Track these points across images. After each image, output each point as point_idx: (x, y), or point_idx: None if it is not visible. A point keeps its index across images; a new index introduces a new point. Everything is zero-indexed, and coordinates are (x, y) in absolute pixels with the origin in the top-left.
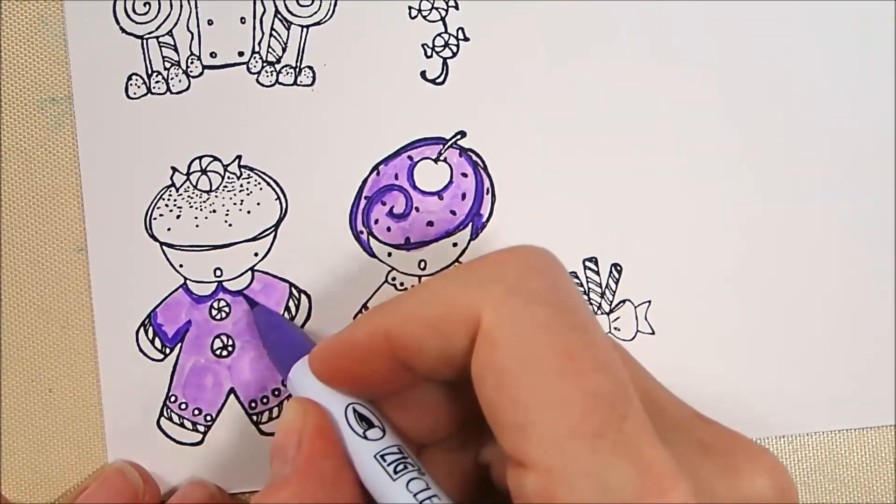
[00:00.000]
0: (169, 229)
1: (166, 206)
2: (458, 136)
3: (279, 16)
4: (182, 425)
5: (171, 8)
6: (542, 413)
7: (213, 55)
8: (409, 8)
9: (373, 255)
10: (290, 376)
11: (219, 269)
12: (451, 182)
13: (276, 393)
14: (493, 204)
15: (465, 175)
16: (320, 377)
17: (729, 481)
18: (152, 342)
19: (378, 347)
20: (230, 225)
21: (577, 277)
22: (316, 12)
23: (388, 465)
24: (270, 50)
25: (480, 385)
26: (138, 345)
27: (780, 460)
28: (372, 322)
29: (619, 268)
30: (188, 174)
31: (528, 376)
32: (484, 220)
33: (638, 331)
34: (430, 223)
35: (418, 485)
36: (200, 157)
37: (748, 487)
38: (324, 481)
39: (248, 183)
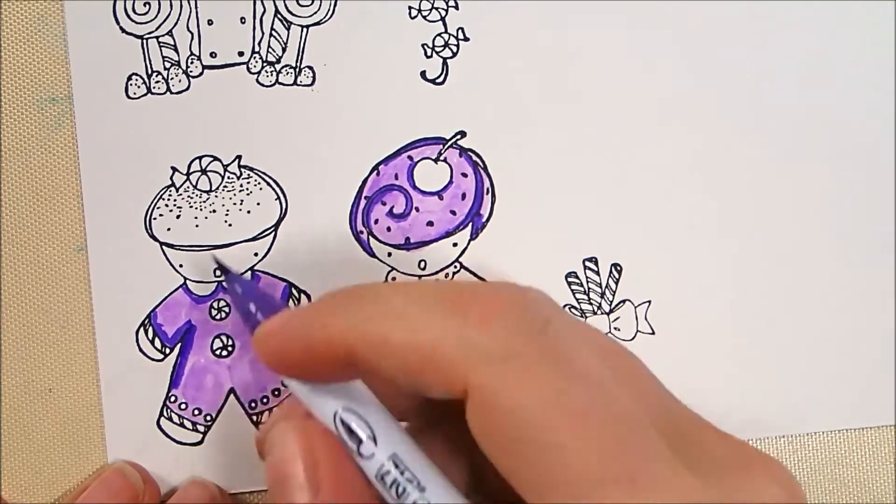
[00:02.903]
0: (169, 229)
1: (166, 206)
2: (458, 136)
3: (279, 16)
4: (182, 425)
5: (171, 8)
6: (564, 470)
7: (213, 55)
8: (409, 8)
9: (373, 255)
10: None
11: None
12: (451, 182)
13: (277, 393)
14: (493, 204)
15: (465, 175)
16: (266, 362)
17: (748, 495)
18: (152, 342)
19: (335, 357)
20: (230, 225)
21: (577, 277)
22: (316, 12)
23: (389, 487)
24: (270, 50)
25: (486, 445)
26: (138, 345)
27: (790, 474)
28: (334, 328)
29: (619, 268)
30: (188, 174)
31: (540, 439)
32: (484, 220)
33: (638, 331)
34: (430, 223)
35: None
36: (200, 157)
37: (765, 499)
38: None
39: (248, 183)
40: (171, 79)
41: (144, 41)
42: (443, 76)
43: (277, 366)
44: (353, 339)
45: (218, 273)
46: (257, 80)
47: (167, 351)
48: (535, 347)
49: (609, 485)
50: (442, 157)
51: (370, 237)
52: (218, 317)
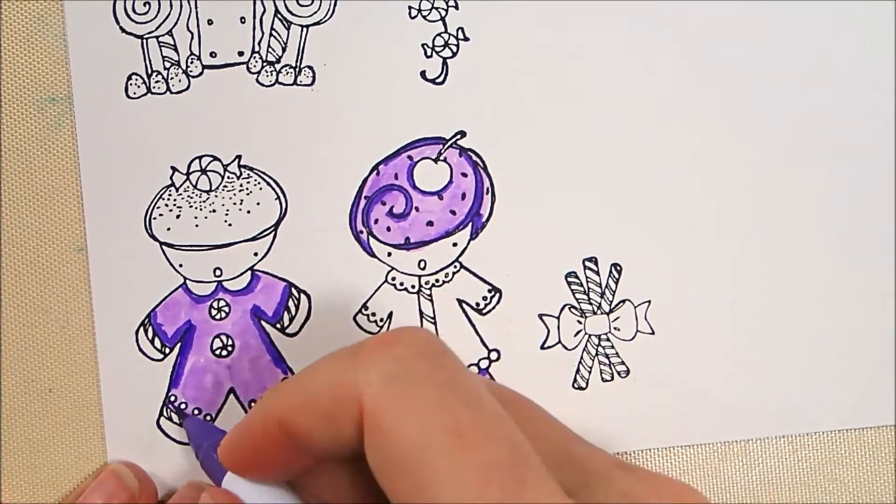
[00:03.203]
0: (169, 229)
1: (166, 205)
2: (458, 136)
3: (279, 16)
4: (182, 425)
5: (171, 8)
6: (442, 493)
7: (213, 55)
8: (409, 8)
9: (373, 254)
10: (223, 486)
11: (218, 268)
12: (450, 182)
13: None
14: (493, 204)
15: (464, 175)
16: (229, 468)
17: None
18: (152, 342)
19: (272, 434)
20: (230, 225)
21: (577, 277)
22: (316, 12)
23: None
24: (270, 50)
25: (378, 474)
26: (138, 345)
27: (704, 497)
28: (265, 409)
29: (619, 268)
30: (188, 174)
31: (422, 460)
32: (484, 220)
33: (638, 331)
34: (429, 223)
35: None
36: (200, 157)
37: None
38: None
39: (248, 183)
40: (171, 79)
41: (144, 41)
42: (443, 76)
43: (240, 467)
44: (279, 409)
45: (218, 273)
46: (257, 80)
47: (167, 351)
48: (425, 371)
49: None
50: (442, 157)
51: (370, 237)
52: (218, 317)
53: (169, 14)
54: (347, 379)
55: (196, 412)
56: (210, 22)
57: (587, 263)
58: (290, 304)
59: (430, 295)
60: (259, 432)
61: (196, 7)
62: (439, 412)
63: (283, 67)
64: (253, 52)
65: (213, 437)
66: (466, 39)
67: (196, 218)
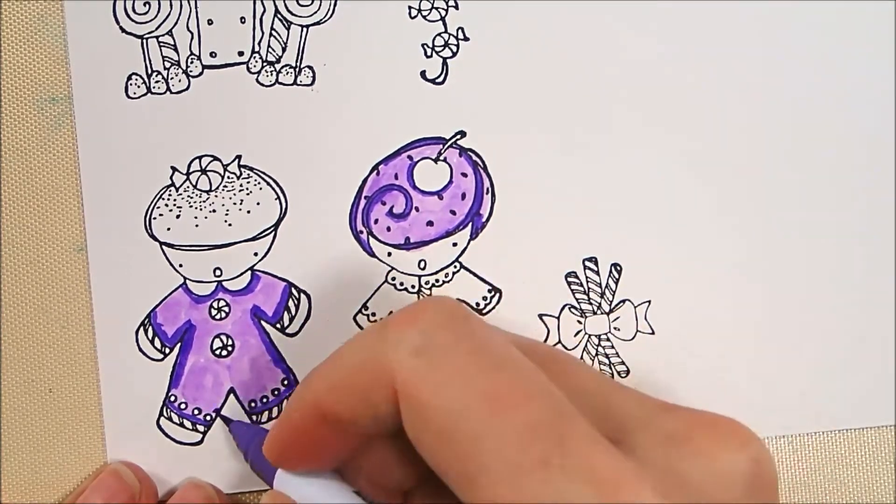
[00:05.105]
0: (169, 229)
1: (166, 205)
2: (458, 136)
3: (279, 15)
4: (182, 425)
5: (171, 8)
6: (484, 459)
7: (213, 55)
8: (409, 8)
9: (373, 254)
10: (275, 485)
11: (218, 268)
12: (450, 182)
13: (276, 393)
14: (492, 204)
15: (464, 175)
16: (276, 464)
17: (702, 465)
18: (152, 342)
19: (312, 421)
20: (230, 225)
21: (577, 277)
22: (316, 12)
23: None
24: (270, 50)
25: (419, 446)
26: (138, 345)
27: (752, 430)
28: (302, 397)
29: (619, 268)
30: (188, 174)
31: (460, 429)
32: (484, 220)
33: (638, 331)
34: (429, 223)
35: None
36: (200, 157)
37: (722, 466)
38: None
39: (248, 183)
40: (171, 78)
41: (144, 41)
42: (443, 76)
43: (288, 461)
44: (315, 394)
45: (218, 273)
46: (257, 80)
47: (167, 351)
48: (452, 339)
49: (526, 471)
50: (442, 157)
51: (370, 237)
52: (218, 317)
53: (169, 14)
54: (377, 356)
55: (197, 412)
56: (210, 22)
57: (587, 263)
58: (290, 304)
59: (431, 295)
60: (299, 422)
61: (196, 7)
62: (473, 379)
63: (283, 67)
64: (253, 52)
65: (259, 438)
66: (466, 39)
67: (196, 218)
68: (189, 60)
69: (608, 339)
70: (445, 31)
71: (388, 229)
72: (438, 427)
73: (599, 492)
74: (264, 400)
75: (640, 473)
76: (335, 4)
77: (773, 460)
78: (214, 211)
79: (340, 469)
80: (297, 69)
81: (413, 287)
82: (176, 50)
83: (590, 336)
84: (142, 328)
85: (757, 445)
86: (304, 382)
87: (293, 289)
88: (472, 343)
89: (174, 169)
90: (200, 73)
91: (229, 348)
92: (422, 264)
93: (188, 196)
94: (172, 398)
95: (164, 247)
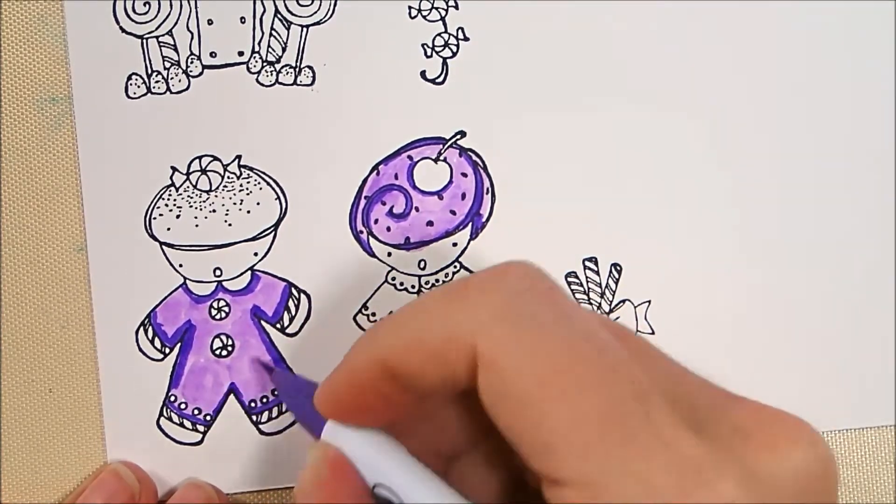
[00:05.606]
0: (169, 229)
1: (166, 205)
2: (458, 136)
3: (279, 16)
4: (182, 425)
5: (171, 8)
6: (566, 430)
7: (213, 55)
8: (409, 8)
9: (373, 254)
10: (323, 436)
11: (218, 268)
12: (450, 182)
13: (276, 393)
14: (492, 204)
15: (464, 175)
16: (328, 415)
17: (770, 460)
18: (152, 342)
19: (377, 378)
20: (230, 225)
21: (577, 277)
22: (316, 12)
23: None
24: (270, 50)
25: (494, 411)
26: (138, 345)
27: (816, 428)
28: (368, 351)
29: (619, 268)
30: (188, 174)
31: (542, 400)
32: (484, 219)
33: (638, 331)
34: (429, 223)
35: None
36: (200, 157)
37: (791, 463)
38: None
39: (248, 183)
40: (171, 78)
41: (144, 41)
42: (443, 76)
43: (341, 413)
44: (384, 350)
45: (218, 273)
46: (257, 80)
47: (167, 351)
48: (536, 307)
49: (607, 447)
50: (442, 157)
51: (370, 237)
52: (218, 317)
53: (169, 14)
54: (458, 318)
55: (196, 412)
56: (210, 22)
57: (587, 263)
58: (290, 304)
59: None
60: (362, 375)
61: (196, 7)
62: (558, 349)
63: (283, 67)
64: (253, 52)
65: (306, 389)
66: (466, 39)
67: (196, 218)
68: (189, 60)
69: None
70: (445, 31)
71: (388, 229)
72: (519, 394)
73: (682, 473)
74: (264, 400)
75: (721, 464)
76: (335, 4)
77: (836, 460)
78: (214, 211)
79: (388, 428)
80: (297, 69)
81: (413, 287)
82: (176, 50)
83: None
84: (142, 328)
85: (824, 445)
86: (370, 336)
87: (293, 289)
88: (556, 312)
89: (174, 169)
90: (200, 73)
91: (229, 348)
92: (422, 264)
93: (188, 196)
94: (172, 398)
95: (164, 247)
